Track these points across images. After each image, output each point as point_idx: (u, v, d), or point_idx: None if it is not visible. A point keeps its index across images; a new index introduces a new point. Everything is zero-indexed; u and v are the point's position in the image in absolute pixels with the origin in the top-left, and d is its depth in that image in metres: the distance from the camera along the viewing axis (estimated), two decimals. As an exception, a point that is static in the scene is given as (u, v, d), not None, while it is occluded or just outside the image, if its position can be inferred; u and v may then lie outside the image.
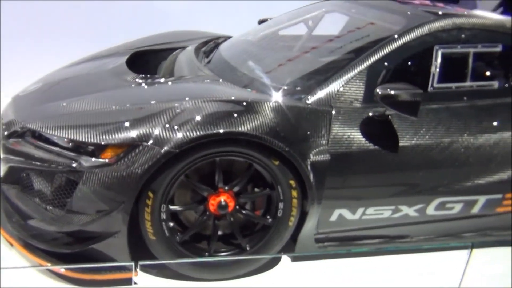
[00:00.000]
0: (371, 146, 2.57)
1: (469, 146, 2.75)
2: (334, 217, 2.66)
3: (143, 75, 2.94)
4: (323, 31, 3.65)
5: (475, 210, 2.92)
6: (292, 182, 2.44)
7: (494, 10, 3.94)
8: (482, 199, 2.90)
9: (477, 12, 3.29)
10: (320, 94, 2.59)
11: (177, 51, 3.59)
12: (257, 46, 3.41)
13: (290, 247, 2.67)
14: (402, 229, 2.86)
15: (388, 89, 2.44)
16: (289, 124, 2.43)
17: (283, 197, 2.46)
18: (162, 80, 2.90)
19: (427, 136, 2.67)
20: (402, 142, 2.63)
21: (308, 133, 2.46)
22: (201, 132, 2.23)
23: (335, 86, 2.62)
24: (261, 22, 4.01)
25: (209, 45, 3.65)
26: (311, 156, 2.44)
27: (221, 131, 2.24)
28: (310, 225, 2.60)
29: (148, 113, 2.34)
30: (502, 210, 2.99)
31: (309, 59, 3.03)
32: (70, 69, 3.36)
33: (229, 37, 3.78)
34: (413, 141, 2.64)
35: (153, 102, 2.43)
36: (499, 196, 2.93)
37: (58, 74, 3.29)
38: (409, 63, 2.83)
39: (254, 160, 2.37)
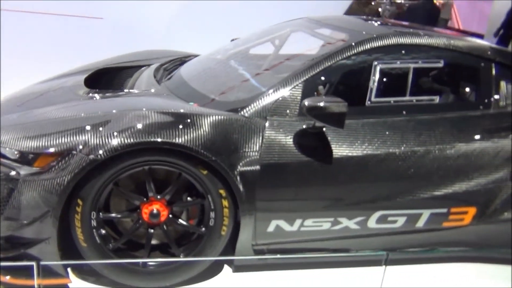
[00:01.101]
0: (304, 158, 2.62)
1: (407, 159, 2.78)
2: (271, 228, 2.70)
3: (96, 90, 3.07)
4: (288, 50, 3.77)
5: (420, 224, 2.92)
6: (222, 191, 2.51)
7: None
8: (426, 213, 2.90)
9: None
10: (255, 106, 2.67)
11: (143, 68, 3.73)
12: (216, 64, 3.52)
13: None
14: (345, 242, 2.88)
15: (314, 101, 2.50)
16: (219, 135, 2.51)
17: (214, 207, 2.52)
18: (110, 94, 3.01)
19: (362, 149, 2.71)
20: (336, 154, 2.67)
21: (239, 144, 2.53)
22: (126, 141, 2.33)
23: (270, 99, 2.69)
24: (233, 40, 4.15)
25: (174, 62, 3.79)
26: (241, 167, 2.50)
27: (143, 140, 2.33)
28: (245, 235, 2.64)
29: (82, 123, 2.45)
30: (450, 225, 2.99)
31: (254, 75, 3.11)
32: (37, 85, 3.52)
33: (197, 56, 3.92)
34: (347, 154, 2.69)
35: (90, 113, 2.55)
36: (444, 210, 2.93)
37: (26, 90, 3.45)
38: (350, 78, 2.89)
39: (182, 169, 2.45)
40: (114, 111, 2.53)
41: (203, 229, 2.59)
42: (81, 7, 4.65)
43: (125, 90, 3.22)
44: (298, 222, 2.72)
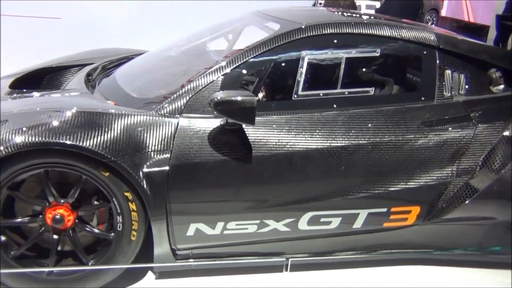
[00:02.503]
0: (221, 157, 2.45)
1: (337, 156, 2.58)
2: (191, 232, 2.54)
3: (19, 90, 2.95)
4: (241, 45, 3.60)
5: (358, 225, 2.73)
6: (128, 194, 2.35)
7: None
8: (363, 213, 2.71)
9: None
10: (169, 103, 2.51)
11: (86, 67, 3.60)
12: (154, 61, 3.36)
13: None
14: (277, 245, 2.70)
15: (219, 96, 2.33)
16: (123, 134, 2.35)
17: (121, 210, 2.37)
18: (28, 94, 2.89)
19: (285, 146, 2.52)
20: (257, 152, 2.49)
21: (146, 143, 2.37)
22: (16, 142, 2.19)
23: (186, 95, 2.53)
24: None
25: (120, 61, 3.65)
26: (147, 168, 2.34)
27: (34, 141, 2.19)
28: (161, 240, 2.48)
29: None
30: (392, 225, 2.79)
31: (179, 71, 2.94)
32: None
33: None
34: (269, 151, 2.50)
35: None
36: (383, 210, 2.73)
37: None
38: (276, 71, 2.71)
39: (81, 171, 2.30)
40: (14, 111, 2.39)
41: (112, 234, 2.44)
42: (38, 7, 4.55)
43: (53, 90, 3.09)
44: (220, 225, 2.56)
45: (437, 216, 2.80)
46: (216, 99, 2.31)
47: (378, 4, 9.92)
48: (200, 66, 2.74)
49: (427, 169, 2.73)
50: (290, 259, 2.32)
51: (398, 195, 2.72)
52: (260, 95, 2.84)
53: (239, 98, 2.30)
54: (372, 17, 3.24)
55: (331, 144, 2.57)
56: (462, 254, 2.93)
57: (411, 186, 2.72)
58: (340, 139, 2.59)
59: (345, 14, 3.30)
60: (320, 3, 5.78)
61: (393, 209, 2.75)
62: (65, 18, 4.68)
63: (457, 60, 2.90)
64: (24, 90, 2.97)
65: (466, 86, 2.90)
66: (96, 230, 2.49)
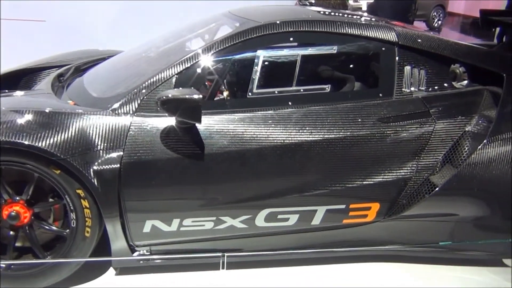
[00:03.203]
0: (174, 154, 2.49)
1: (292, 153, 2.60)
2: (147, 229, 2.58)
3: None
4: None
5: (316, 222, 2.75)
6: (80, 191, 2.41)
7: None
8: (321, 210, 2.72)
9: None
10: (124, 102, 2.56)
11: (62, 68, 3.67)
12: (124, 61, 3.40)
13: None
14: (236, 242, 2.73)
15: (167, 95, 2.36)
16: (75, 132, 2.40)
17: (74, 207, 2.43)
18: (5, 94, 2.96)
19: (238, 144, 2.55)
20: (210, 150, 2.53)
21: (97, 141, 2.42)
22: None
23: (140, 94, 2.57)
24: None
25: (96, 61, 3.70)
26: (98, 165, 2.39)
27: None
28: (117, 236, 2.53)
29: None
30: (352, 222, 2.80)
31: (140, 71, 2.98)
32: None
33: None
34: (222, 149, 2.53)
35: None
36: (342, 206, 2.74)
37: None
38: (232, 69, 2.74)
39: (34, 169, 2.36)
40: None
41: (67, 231, 2.49)
42: (22, 10, 4.65)
43: (23, 91, 3.15)
44: (176, 222, 2.60)
45: (398, 212, 2.79)
46: (162, 98, 2.35)
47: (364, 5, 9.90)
48: (161, 67, 2.77)
49: (385, 165, 2.73)
50: (226, 256, 2.33)
51: (356, 191, 2.72)
52: (219, 92, 2.86)
53: (183, 96, 2.33)
54: (347, 16, 3.22)
55: (285, 142, 2.59)
56: (429, 251, 2.92)
57: (369, 182, 2.72)
58: (295, 136, 2.60)
59: (326, 13, 3.30)
60: (311, 2, 5.77)
61: (352, 206, 2.75)
62: (50, 21, 4.78)
63: (418, 56, 2.89)
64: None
65: (427, 82, 2.89)
66: (53, 227, 2.55)
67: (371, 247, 2.89)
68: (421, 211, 2.79)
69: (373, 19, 3.16)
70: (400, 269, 2.92)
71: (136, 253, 2.64)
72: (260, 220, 2.68)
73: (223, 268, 2.30)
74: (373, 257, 2.96)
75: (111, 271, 2.75)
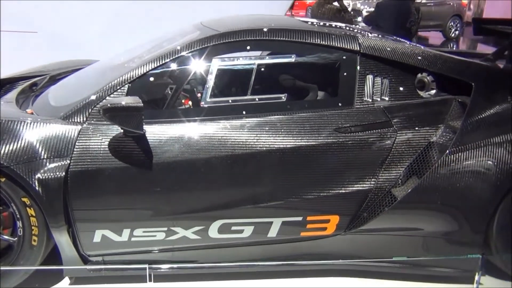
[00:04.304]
0: (121, 164, 2.47)
1: (243, 163, 2.55)
2: (97, 239, 2.56)
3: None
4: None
5: (273, 234, 2.68)
6: (25, 199, 2.41)
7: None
8: (277, 222, 2.66)
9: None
10: (73, 111, 2.56)
11: (38, 78, 3.71)
12: (90, 71, 3.40)
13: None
14: (189, 253, 2.69)
15: (109, 103, 2.35)
16: (20, 140, 2.41)
17: (20, 215, 2.43)
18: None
19: (187, 153, 2.51)
20: (158, 160, 2.50)
21: (43, 150, 2.42)
22: None
23: (90, 103, 2.57)
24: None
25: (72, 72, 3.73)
26: (42, 174, 2.39)
27: None
28: (66, 246, 2.52)
29: None
30: (310, 235, 2.72)
31: (100, 81, 2.97)
32: None
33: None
34: (170, 159, 2.50)
35: None
36: (298, 219, 2.67)
37: None
38: (188, 77, 2.72)
39: None
40: None
41: (15, 239, 2.50)
42: (13, 22, 4.74)
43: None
44: (126, 232, 2.57)
45: (359, 226, 2.70)
46: (104, 106, 2.34)
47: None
48: (116, 76, 2.76)
49: (343, 177, 2.65)
50: (151, 269, 2.29)
51: (314, 203, 2.65)
52: (175, 101, 2.83)
53: (123, 104, 2.32)
54: (318, 25, 3.17)
55: (236, 151, 2.54)
56: (394, 267, 2.81)
57: (326, 194, 2.65)
58: (247, 146, 2.55)
59: (308, 23, 3.25)
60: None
61: (309, 218, 2.68)
62: (41, 32, 4.86)
63: (382, 65, 2.81)
64: None
65: (391, 92, 2.80)
66: (4, 236, 2.55)
67: (332, 261, 2.78)
68: (383, 225, 2.70)
69: (342, 28, 3.09)
70: (365, 285, 2.82)
71: (89, 263, 2.62)
72: (213, 231, 2.63)
73: (150, 280, 2.25)
74: (338, 272, 2.87)
75: (66, 280, 2.74)
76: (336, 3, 6.30)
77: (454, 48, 12.72)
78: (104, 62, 3.29)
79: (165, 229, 2.59)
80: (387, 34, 5.10)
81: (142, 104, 2.33)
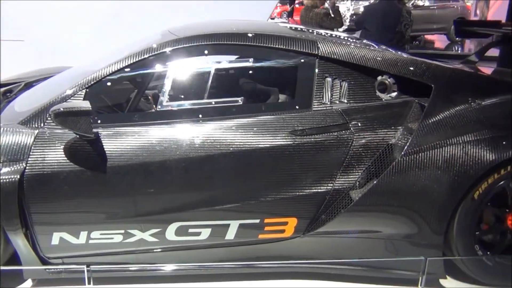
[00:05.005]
0: (76, 167, 2.51)
1: (196, 166, 2.57)
2: (55, 241, 2.61)
3: None
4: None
5: (230, 236, 2.69)
6: (-19, 203, 2.46)
7: None
8: (234, 224, 2.67)
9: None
10: (30, 116, 2.62)
11: (13, 85, 3.78)
12: (59, 77, 3.44)
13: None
14: (149, 256, 2.72)
15: (58, 108, 2.40)
16: None
17: (-25, 218, 2.49)
18: None
19: (142, 157, 2.54)
20: (113, 163, 2.53)
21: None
22: None
23: (48, 108, 2.61)
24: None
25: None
26: None
27: None
28: (23, 248, 2.57)
29: None
30: (268, 237, 2.73)
31: (61, 86, 3.02)
32: None
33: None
34: (124, 162, 2.53)
35: None
36: (256, 221, 2.68)
37: None
38: (146, 82, 2.76)
39: None
40: None
41: (-26, 240, 2.55)
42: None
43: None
44: (83, 234, 2.61)
45: (317, 228, 2.70)
46: (54, 111, 2.39)
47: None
48: (76, 81, 2.80)
49: (300, 179, 2.66)
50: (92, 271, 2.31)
51: (270, 206, 2.66)
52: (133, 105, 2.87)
53: (71, 108, 2.36)
54: (288, 29, 3.18)
55: (191, 154, 2.57)
56: (355, 269, 2.80)
57: (283, 197, 2.65)
58: (202, 148, 2.58)
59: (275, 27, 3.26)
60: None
61: (266, 221, 2.69)
62: (28, 40, 4.96)
63: (340, 68, 2.82)
64: None
65: (349, 94, 2.80)
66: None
67: (290, 263, 2.77)
68: (342, 227, 2.69)
69: (304, 32, 3.10)
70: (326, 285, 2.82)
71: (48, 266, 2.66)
72: (170, 233, 2.65)
73: (89, 283, 2.27)
74: (300, 274, 2.86)
75: (29, 282, 2.78)
76: (327, 4, 6.30)
77: (459, 51, 12.60)
78: (72, 69, 3.35)
79: (122, 231, 2.62)
80: (371, 38, 5.15)
81: (90, 108, 2.37)
